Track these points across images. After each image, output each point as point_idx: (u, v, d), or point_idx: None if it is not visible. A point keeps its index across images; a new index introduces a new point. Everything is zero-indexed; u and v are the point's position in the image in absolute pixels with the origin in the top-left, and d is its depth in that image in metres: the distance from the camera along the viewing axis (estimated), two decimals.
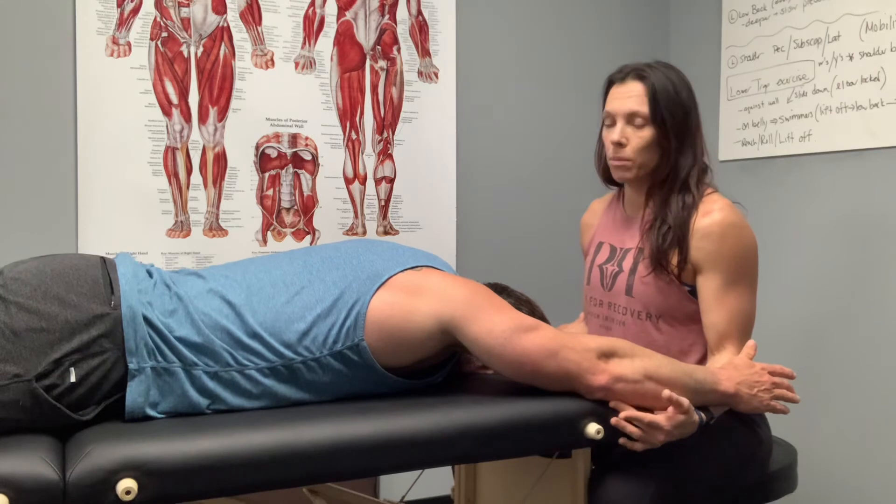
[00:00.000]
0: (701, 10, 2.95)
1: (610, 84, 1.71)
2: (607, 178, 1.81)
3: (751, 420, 1.65)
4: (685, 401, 1.35)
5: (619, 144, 1.65)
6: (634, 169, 1.66)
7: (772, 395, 1.48)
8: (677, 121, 1.63)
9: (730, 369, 1.48)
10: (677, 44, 3.07)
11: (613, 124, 1.67)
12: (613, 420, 1.37)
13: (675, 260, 1.62)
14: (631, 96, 1.64)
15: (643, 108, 1.62)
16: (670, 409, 1.36)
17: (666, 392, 1.35)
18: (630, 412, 1.36)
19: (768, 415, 1.76)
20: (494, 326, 1.34)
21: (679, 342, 1.67)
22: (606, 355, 1.36)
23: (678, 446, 1.49)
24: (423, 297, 1.36)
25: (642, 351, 1.40)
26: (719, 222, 1.59)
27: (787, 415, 2.46)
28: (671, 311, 1.65)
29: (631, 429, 1.36)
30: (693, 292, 1.64)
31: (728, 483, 1.59)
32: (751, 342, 1.55)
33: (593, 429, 1.37)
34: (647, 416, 1.35)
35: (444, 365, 1.51)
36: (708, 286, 1.60)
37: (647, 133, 1.63)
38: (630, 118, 1.64)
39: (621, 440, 1.39)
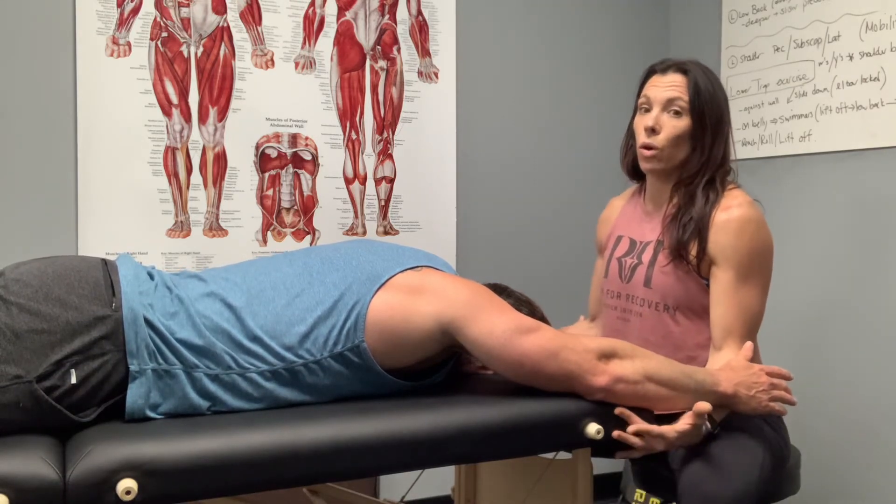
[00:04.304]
0: (701, 10, 2.95)
1: (650, 73, 1.73)
2: (632, 172, 1.81)
3: (771, 419, 1.65)
4: (707, 407, 1.36)
5: (653, 130, 1.66)
6: (664, 160, 1.67)
7: (770, 397, 1.48)
8: (713, 117, 1.65)
9: (728, 370, 1.49)
10: (677, 44, 3.07)
11: (649, 110, 1.68)
12: (616, 434, 1.37)
13: (694, 251, 1.63)
14: (672, 85, 1.65)
15: (684, 95, 1.64)
16: (686, 417, 1.36)
17: (700, 405, 1.36)
18: (638, 426, 1.36)
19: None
20: (494, 328, 1.34)
21: (695, 335, 1.67)
22: (607, 356, 1.36)
23: (754, 446, 1.51)
24: (422, 297, 1.36)
25: (643, 352, 1.41)
26: (738, 217, 1.60)
27: (786, 415, 2.47)
28: (689, 302, 1.66)
29: (633, 440, 1.37)
30: (709, 285, 1.64)
31: (764, 484, 1.58)
32: (748, 344, 1.55)
33: (593, 429, 1.37)
34: (655, 429, 1.36)
35: (444, 365, 1.51)
36: (719, 279, 1.60)
37: (682, 123, 1.65)
38: (668, 105, 1.65)
39: (619, 450, 1.39)
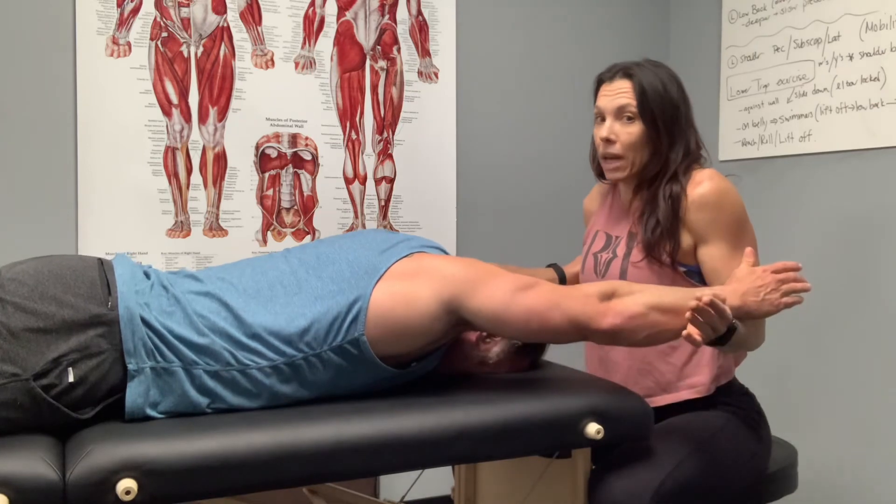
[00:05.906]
0: (701, 10, 2.94)
1: (600, 83, 1.73)
2: (602, 176, 1.82)
3: (750, 418, 1.66)
4: (707, 297, 1.33)
5: (608, 141, 1.66)
6: (627, 168, 1.67)
7: (780, 293, 1.45)
8: (667, 116, 1.65)
9: (733, 282, 1.48)
10: (677, 44, 3.07)
11: (603, 121, 1.69)
12: (685, 334, 1.33)
13: (668, 248, 1.63)
14: (620, 92, 1.66)
15: (631, 101, 1.64)
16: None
17: (704, 298, 1.32)
18: (705, 304, 1.32)
19: (768, 413, 1.76)
20: (495, 292, 1.37)
21: None
22: (608, 296, 1.39)
23: (677, 445, 1.49)
24: (420, 280, 1.39)
25: (640, 286, 1.43)
26: (712, 191, 1.61)
27: (788, 411, 2.47)
28: None
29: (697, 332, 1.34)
30: (689, 273, 1.64)
31: (727, 482, 1.59)
32: (748, 249, 1.53)
33: (593, 429, 1.37)
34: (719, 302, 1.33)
35: (438, 350, 1.52)
36: (714, 254, 1.60)
37: (635, 128, 1.65)
38: (618, 113, 1.66)
39: (684, 334, 1.34)
